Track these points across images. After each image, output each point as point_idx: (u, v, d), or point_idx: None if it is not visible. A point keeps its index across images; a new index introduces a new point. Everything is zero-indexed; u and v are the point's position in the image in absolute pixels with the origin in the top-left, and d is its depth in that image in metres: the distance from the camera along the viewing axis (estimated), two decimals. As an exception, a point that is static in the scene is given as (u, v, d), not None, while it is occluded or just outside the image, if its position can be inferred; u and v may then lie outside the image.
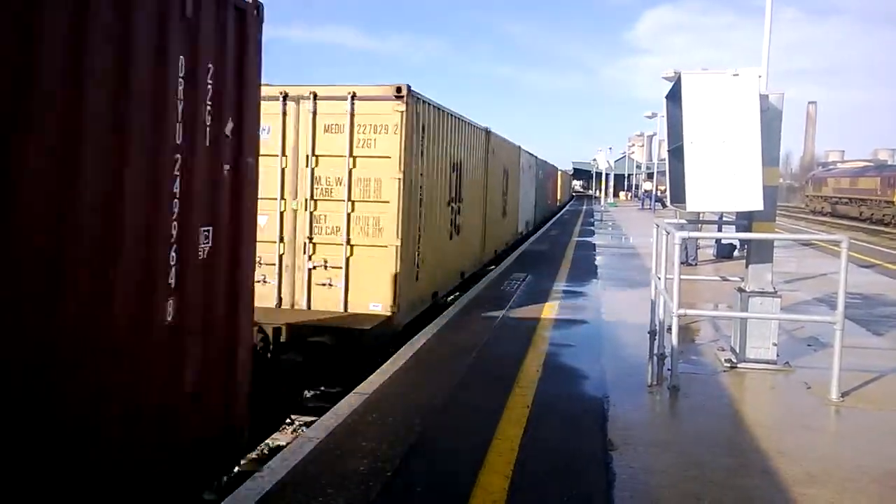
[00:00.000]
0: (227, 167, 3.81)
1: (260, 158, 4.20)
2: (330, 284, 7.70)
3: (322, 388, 7.14)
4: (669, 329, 5.97)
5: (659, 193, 40.31)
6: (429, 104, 8.64)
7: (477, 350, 7.00)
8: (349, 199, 7.64)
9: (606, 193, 51.57)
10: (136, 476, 3.19)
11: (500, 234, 16.26)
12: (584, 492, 3.86)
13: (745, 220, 6.73)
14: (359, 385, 5.75)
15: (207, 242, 3.64)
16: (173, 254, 3.34)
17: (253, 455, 5.88)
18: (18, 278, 2.52)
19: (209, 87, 3.59)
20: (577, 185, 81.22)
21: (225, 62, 3.74)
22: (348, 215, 7.66)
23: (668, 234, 6.36)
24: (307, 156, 7.72)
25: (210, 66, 3.59)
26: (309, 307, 7.75)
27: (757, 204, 5.93)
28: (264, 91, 4.55)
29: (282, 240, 7.73)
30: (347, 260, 7.70)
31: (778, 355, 6.45)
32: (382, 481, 3.94)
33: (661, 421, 5.30)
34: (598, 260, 15.57)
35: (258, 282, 5.89)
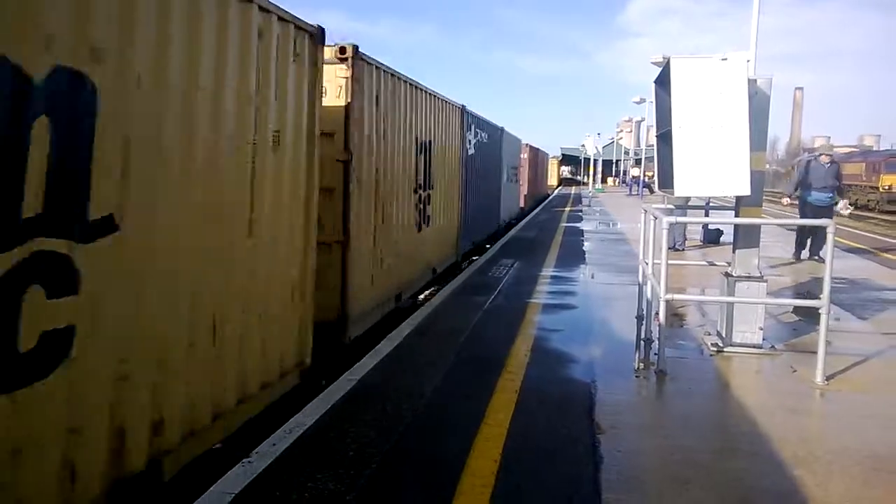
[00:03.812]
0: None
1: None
2: None
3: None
4: (657, 314, 6.00)
5: (646, 179, 40.35)
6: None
7: (465, 335, 7.02)
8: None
9: (594, 179, 51.56)
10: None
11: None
12: (571, 474, 3.88)
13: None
14: (348, 370, 5.75)
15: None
16: None
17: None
18: None
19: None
20: (565, 170, 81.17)
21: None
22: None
23: (656, 219, 6.38)
24: None
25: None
26: None
27: (744, 189, 5.95)
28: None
29: None
30: None
31: (764, 339, 6.51)
32: (371, 466, 3.94)
33: (648, 405, 5.34)
34: (587, 245, 15.61)
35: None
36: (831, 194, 11.98)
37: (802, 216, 12.22)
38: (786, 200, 13.84)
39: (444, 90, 10.89)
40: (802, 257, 12.66)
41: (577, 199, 38.18)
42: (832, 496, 3.73)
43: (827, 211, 11.69)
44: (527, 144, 28.32)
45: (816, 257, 12.28)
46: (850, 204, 12.92)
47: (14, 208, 2.59)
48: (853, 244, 16.31)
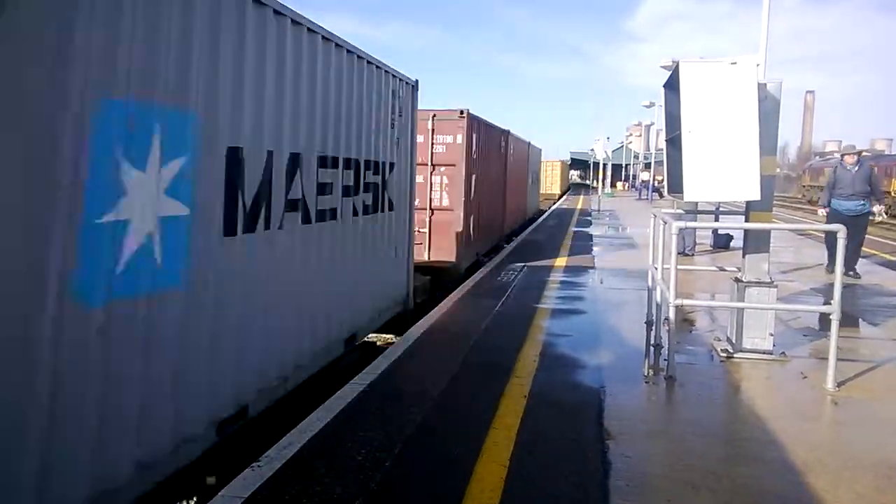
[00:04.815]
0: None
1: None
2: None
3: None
4: (666, 319, 5.98)
5: (656, 183, 40.25)
6: None
7: (474, 339, 7.01)
8: None
9: (603, 183, 51.44)
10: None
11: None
12: (580, 480, 3.87)
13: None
14: (356, 376, 5.76)
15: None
16: None
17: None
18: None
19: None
20: (574, 175, 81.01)
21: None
22: None
23: (666, 224, 6.36)
24: None
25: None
26: None
27: (754, 194, 5.93)
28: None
29: None
30: None
31: (774, 345, 6.47)
32: (381, 470, 3.95)
33: (658, 410, 5.32)
34: (596, 250, 15.57)
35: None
36: (863, 202, 10.64)
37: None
38: (821, 212, 11.84)
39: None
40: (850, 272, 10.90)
41: (586, 204, 37.59)
42: (843, 502, 3.70)
43: (859, 221, 10.55)
44: (463, 112, 11.78)
45: (852, 272, 10.99)
46: (885, 211, 11.65)
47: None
48: (864, 249, 16.17)
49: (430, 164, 11.51)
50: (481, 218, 13.55)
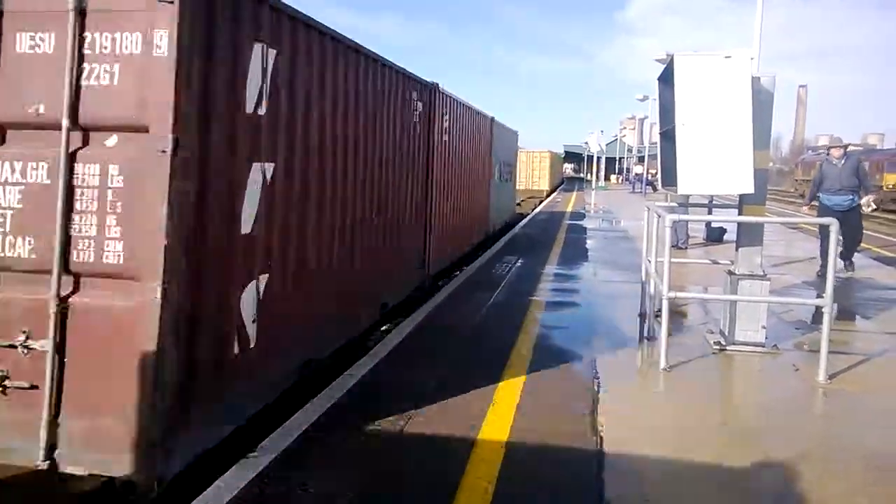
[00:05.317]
0: None
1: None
2: None
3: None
4: (659, 311, 6.00)
5: (650, 177, 40.29)
6: None
7: (468, 331, 7.02)
8: None
9: (598, 177, 51.46)
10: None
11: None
12: (574, 472, 3.90)
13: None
14: (351, 366, 5.76)
15: None
16: None
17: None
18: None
19: None
20: (568, 168, 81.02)
21: None
22: None
23: (659, 217, 6.38)
24: None
25: None
26: None
27: (748, 187, 5.95)
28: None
29: None
30: None
31: (766, 338, 6.51)
32: (374, 463, 3.97)
33: (651, 402, 5.34)
34: (589, 243, 15.61)
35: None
36: (851, 196, 10.39)
37: (823, 225, 10.10)
38: (805, 209, 11.91)
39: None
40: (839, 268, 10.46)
41: (580, 199, 37.33)
42: (832, 494, 3.74)
43: (849, 215, 10.27)
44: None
45: (848, 263, 10.94)
46: (873, 201, 11.16)
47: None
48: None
49: (66, 124, 3.38)
50: (309, 282, 5.18)
